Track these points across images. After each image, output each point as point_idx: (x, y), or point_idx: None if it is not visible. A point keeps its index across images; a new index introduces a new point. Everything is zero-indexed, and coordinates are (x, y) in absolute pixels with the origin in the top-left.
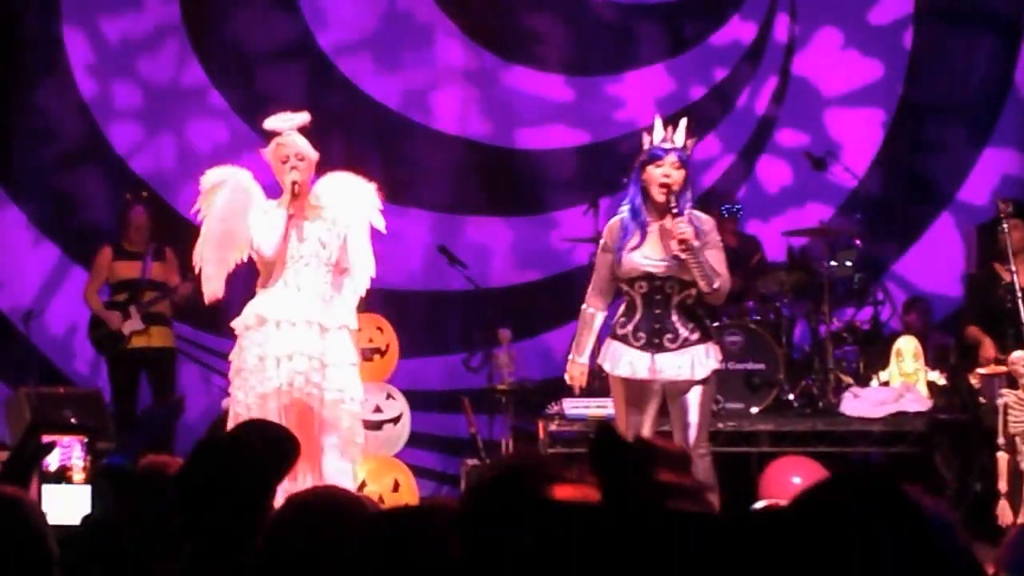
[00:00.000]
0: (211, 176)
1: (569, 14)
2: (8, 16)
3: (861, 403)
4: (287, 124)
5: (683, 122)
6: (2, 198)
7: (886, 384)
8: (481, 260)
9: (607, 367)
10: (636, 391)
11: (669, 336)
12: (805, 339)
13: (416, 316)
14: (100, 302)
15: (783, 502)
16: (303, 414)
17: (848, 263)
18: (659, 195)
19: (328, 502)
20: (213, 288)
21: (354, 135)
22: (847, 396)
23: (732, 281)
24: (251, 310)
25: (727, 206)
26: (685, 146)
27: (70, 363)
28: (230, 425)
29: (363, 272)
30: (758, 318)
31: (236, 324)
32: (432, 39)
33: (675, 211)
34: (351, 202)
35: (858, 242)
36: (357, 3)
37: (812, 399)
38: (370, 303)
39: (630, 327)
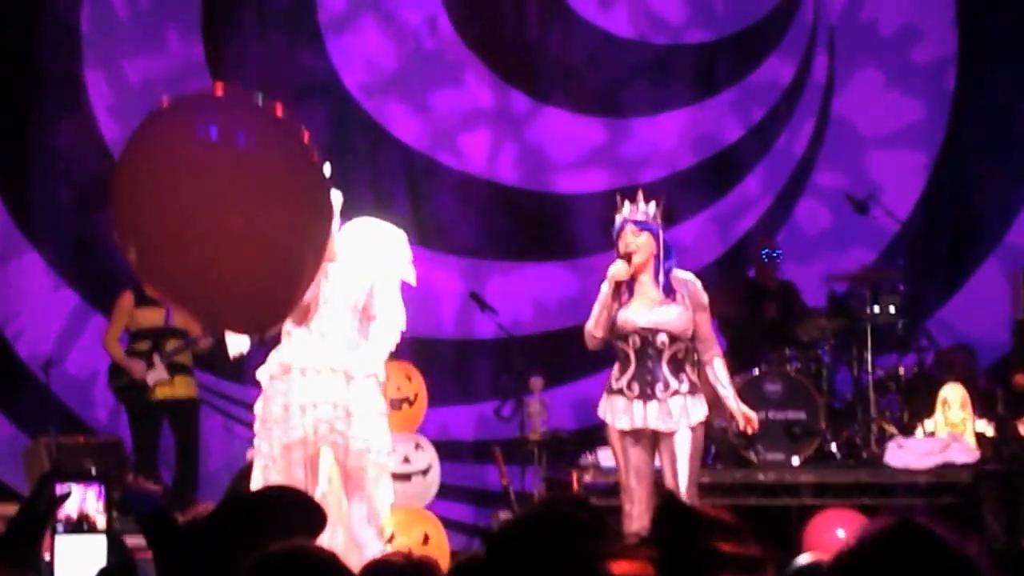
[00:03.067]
0: None
1: (601, 54)
2: (29, 56)
3: (906, 453)
4: None
5: (639, 193)
6: (21, 242)
7: (932, 434)
8: (512, 306)
9: (607, 419)
10: (634, 441)
11: (660, 386)
12: (847, 387)
13: (445, 364)
14: (122, 350)
15: (825, 557)
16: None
17: (891, 309)
18: (624, 264)
19: (299, 558)
20: (239, 344)
21: (381, 177)
22: (891, 446)
23: (773, 325)
24: (275, 358)
25: (767, 251)
26: (645, 212)
27: (90, 412)
28: (254, 476)
29: (393, 325)
30: (798, 366)
31: (260, 374)
32: (461, 79)
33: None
34: (380, 251)
35: (901, 287)
36: (384, 42)
37: (855, 449)
38: (398, 351)
39: (624, 380)
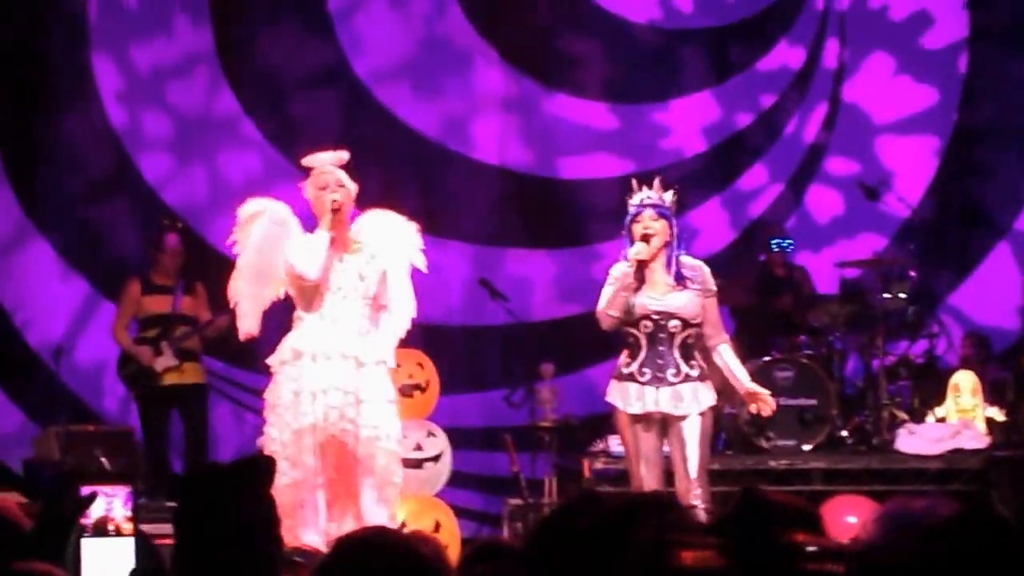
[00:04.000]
0: (248, 207)
1: (611, 39)
2: (36, 44)
3: (917, 440)
4: (326, 160)
5: (656, 180)
6: (29, 230)
7: (942, 420)
8: (522, 293)
9: (618, 404)
10: (644, 426)
11: (672, 371)
12: (858, 373)
13: (456, 351)
14: (130, 338)
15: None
16: (340, 451)
17: (902, 295)
18: (645, 246)
19: (379, 544)
20: (248, 325)
21: (391, 164)
22: (902, 432)
23: (785, 311)
24: (287, 344)
25: (777, 240)
26: (662, 199)
27: (100, 400)
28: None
29: (403, 313)
30: (810, 352)
31: (272, 360)
32: (471, 65)
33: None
34: (392, 240)
35: (912, 273)
36: (393, 28)
37: (866, 436)
38: (409, 338)
39: (635, 365)
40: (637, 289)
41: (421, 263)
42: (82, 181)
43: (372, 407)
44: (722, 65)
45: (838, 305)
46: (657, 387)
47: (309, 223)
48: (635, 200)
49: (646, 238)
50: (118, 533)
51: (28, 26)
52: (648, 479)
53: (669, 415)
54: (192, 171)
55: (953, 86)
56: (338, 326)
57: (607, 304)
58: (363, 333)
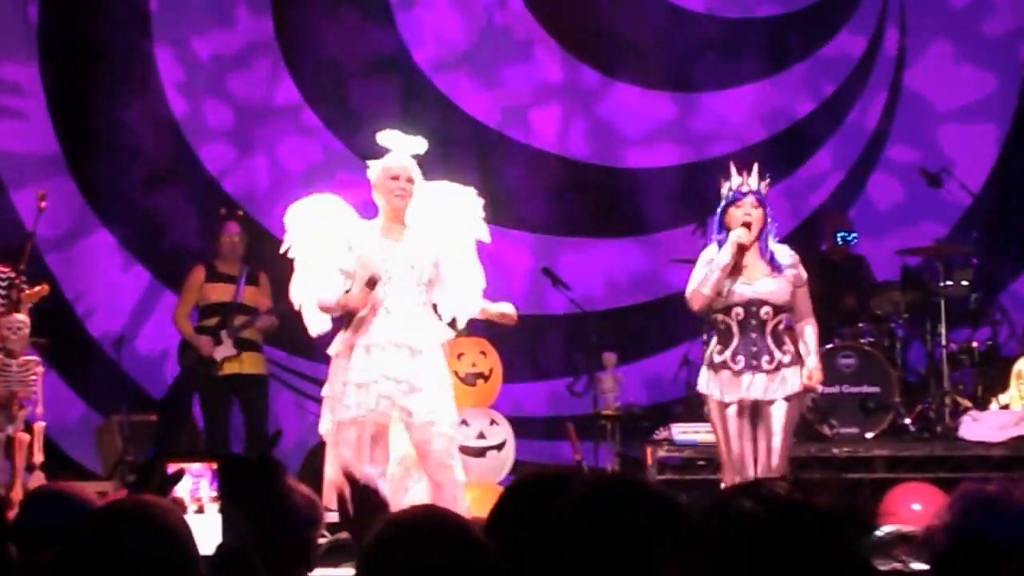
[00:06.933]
0: (296, 210)
1: (672, 29)
2: (97, 35)
3: (980, 427)
4: (406, 148)
5: (755, 167)
6: (91, 220)
7: (1006, 407)
8: (584, 282)
9: (714, 394)
10: (737, 413)
11: (766, 359)
12: (920, 361)
13: (518, 340)
14: (191, 326)
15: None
16: (383, 439)
17: (964, 282)
18: (746, 231)
19: (429, 522)
20: (318, 325)
21: (451, 153)
22: (965, 420)
23: (846, 300)
24: (341, 337)
25: (843, 234)
26: (760, 188)
27: (161, 390)
28: (327, 454)
29: (475, 285)
30: (872, 339)
31: (330, 351)
32: (531, 54)
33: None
34: (452, 214)
35: (975, 260)
36: (454, 17)
37: (929, 423)
38: (472, 327)
39: (728, 353)
40: (732, 274)
41: (485, 235)
42: (143, 171)
43: (426, 394)
44: (783, 53)
45: (900, 293)
46: (752, 374)
47: (365, 209)
48: (734, 184)
49: (747, 224)
50: (200, 512)
51: (90, 16)
52: (738, 465)
53: (761, 401)
54: (252, 160)
55: (1013, 73)
56: (391, 316)
57: (701, 283)
58: (417, 319)
